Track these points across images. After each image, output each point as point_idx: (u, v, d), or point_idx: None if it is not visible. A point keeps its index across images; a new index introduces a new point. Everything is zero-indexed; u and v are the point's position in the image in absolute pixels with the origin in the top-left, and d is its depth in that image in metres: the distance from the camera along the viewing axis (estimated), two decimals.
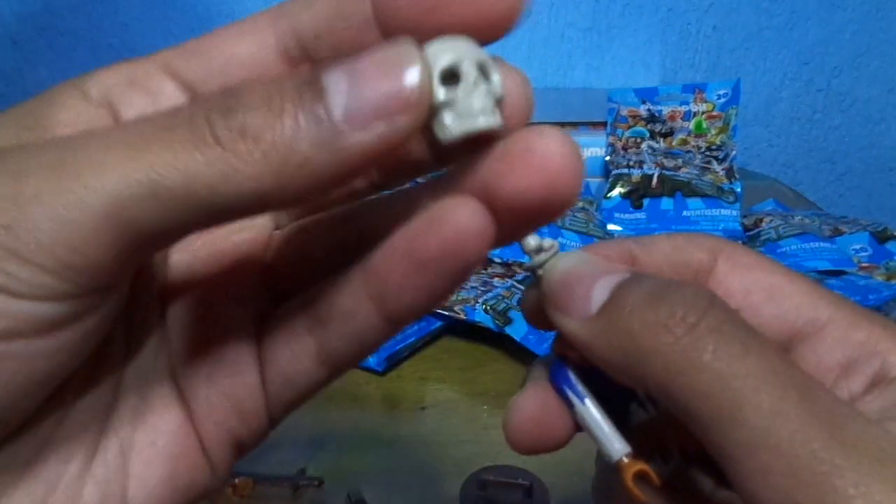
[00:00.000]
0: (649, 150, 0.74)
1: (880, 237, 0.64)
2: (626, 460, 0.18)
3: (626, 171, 0.71)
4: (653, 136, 0.75)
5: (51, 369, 0.14)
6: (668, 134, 0.75)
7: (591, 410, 0.18)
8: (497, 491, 0.39)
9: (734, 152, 0.72)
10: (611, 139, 0.75)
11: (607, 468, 0.19)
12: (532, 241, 0.18)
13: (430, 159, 0.17)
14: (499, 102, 0.15)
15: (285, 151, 0.12)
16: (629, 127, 0.75)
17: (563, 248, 0.19)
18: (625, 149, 0.74)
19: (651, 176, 0.70)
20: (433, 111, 0.14)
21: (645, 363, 0.16)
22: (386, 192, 0.19)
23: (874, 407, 0.17)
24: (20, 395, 0.14)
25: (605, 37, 0.95)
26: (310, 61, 0.16)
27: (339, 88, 0.13)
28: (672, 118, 0.76)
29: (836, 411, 0.15)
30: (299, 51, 0.16)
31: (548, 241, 0.18)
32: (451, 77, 0.14)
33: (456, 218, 0.14)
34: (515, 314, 0.51)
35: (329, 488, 0.40)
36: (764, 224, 0.67)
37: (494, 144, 0.15)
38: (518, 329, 0.51)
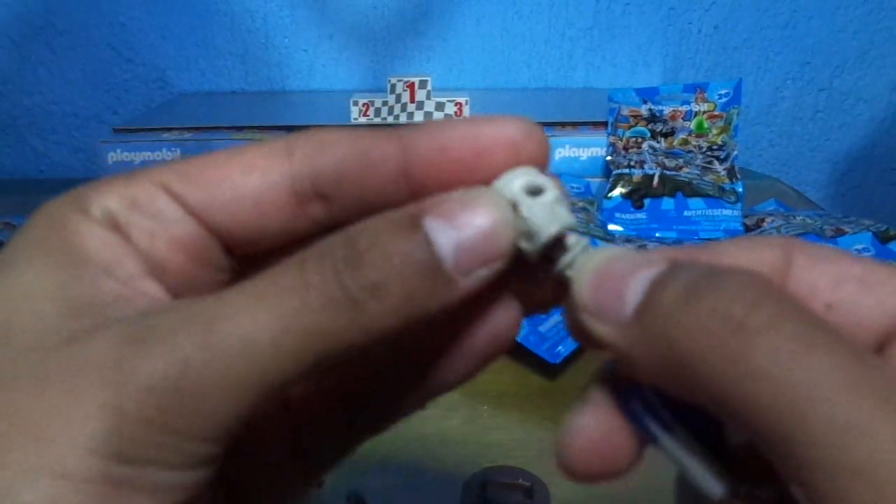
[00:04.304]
0: (650, 150, 0.73)
1: (883, 237, 0.64)
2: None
3: (626, 171, 0.71)
4: (654, 135, 0.75)
5: None
6: (670, 134, 0.75)
7: (680, 443, 0.15)
8: (497, 491, 0.39)
9: (735, 152, 0.72)
10: (611, 139, 0.75)
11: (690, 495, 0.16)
12: (551, 232, 0.16)
13: (403, 197, 0.17)
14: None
15: (409, 303, 0.14)
16: (630, 127, 0.75)
17: None
18: (626, 149, 0.74)
19: (652, 176, 0.70)
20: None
21: (691, 374, 0.14)
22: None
23: None
24: None
25: (605, 36, 0.95)
26: (322, 200, 0.16)
27: (448, 242, 0.14)
28: (673, 118, 0.75)
29: None
30: (312, 190, 0.16)
31: (573, 238, 0.17)
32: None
33: (499, 316, 0.17)
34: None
35: (329, 488, 0.40)
36: (766, 224, 0.67)
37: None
38: None
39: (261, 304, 0.14)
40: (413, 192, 0.16)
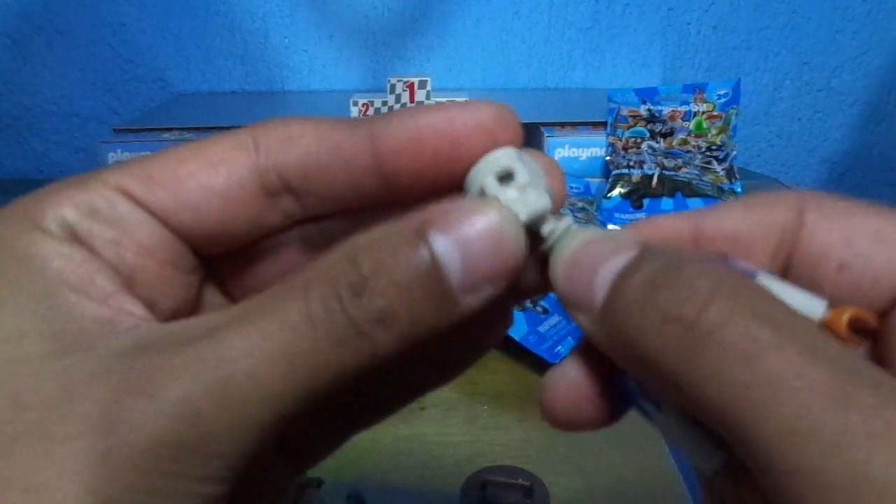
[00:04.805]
0: (649, 151, 0.74)
1: None
2: (830, 313, 0.15)
3: (626, 171, 0.71)
4: (653, 136, 0.75)
5: None
6: (669, 134, 0.75)
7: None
8: (497, 491, 0.39)
9: (734, 152, 0.72)
10: (611, 139, 0.75)
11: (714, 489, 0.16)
12: (535, 212, 0.16)
13: (375, 188, 0.16)
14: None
15: (417, 327, 0.14)
16: (629, 127, 0.75)
17: None
18: (625, 149, 0.74)
19: (651, 176, 0.70)
20: None
21: (652, 373, 0.13)
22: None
23: None
24: None
25: (605, 37, 0.95)
26: (292, 194, 0.16)
27: (454, 262, 0.14)
28: (672, 118, 0.75)
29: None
30: (280, 184, 0.16)
31: (550, 223, 0.16)
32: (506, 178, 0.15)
33: (487, 309, 0.16)
34: (516, 314, 0.51)
35: (329, 488, 0.40)
36: None
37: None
38: (518, 329, 0.51)
39: (267, 344, 0.13)
40: (386, 182, 0.16)
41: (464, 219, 0.14)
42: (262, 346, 0.13)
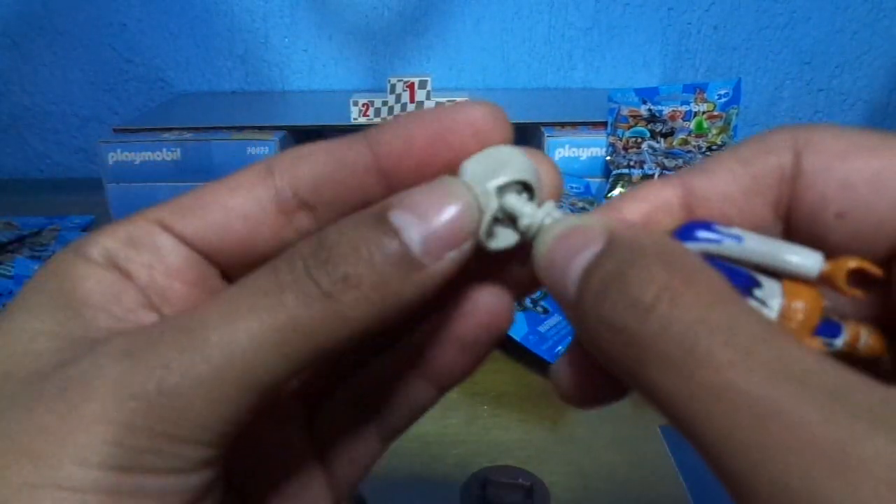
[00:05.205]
0: (650, 150, 0.73)
1: None
2: (828, 266, 0.14)
3: (626, 171, 0.71)
4: (653, 136, 0.75)
5: None
6: (669, 134, 0.75)
7: (758, 241, 0.15)
8: (497, 491, 0.39)
9: None
10: (611, 139, 0.75)
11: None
12: (513, 204, 0.16)
13: (381, 196, 0.17)
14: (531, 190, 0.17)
15: (382, 290, 0.14)
16: (630, 127, 0.75)
17: None
18: (625, 149, 0.74)
19: (652, 176, 0.70)
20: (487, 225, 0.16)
21: (611, 369, 0.14)
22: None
23: None
24: None
25: (605, 37, 0.95)
26: (306, 209, 0.17)
27: (412, 229, 0.15)
28: (673, 118, 0.75)
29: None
30: (295, 201, 0.17)
31: (528, 207, 0.16)
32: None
33: (486, 303, 0.18)
34: (516, 314, 0.51)
35: None
36: None
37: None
38: (518, 329, 0.51)
39: (238, 308, 0.14)
40: (390, 188, 0.16)
41: (419, 193, 0.15)
42: (232, 312, 0.14)
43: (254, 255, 0.17)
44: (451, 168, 0.16)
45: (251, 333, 0.14)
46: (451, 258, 0.15)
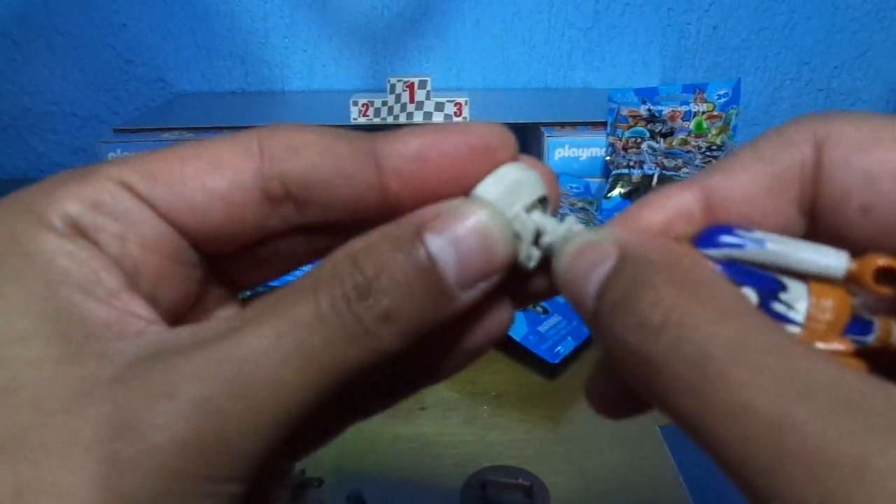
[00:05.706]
0: (649, 151, 0.74)
1: None
2: (855, 264, 0.14)
3: (626, 171, 0.71)
4: (653, 136, 0.75)
5: None
6: (669, 134, 0.75)
7: (781, 242, 0.15)
8: (497, 491, 0.39)
9: None
10: (611, 139, 0.75)
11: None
12: (532, 219, 0.16)
13: (375, 203, 0.17)
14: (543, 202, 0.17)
15: (418, 322, 0.14)
16: (629, 127, 0.75)
17: None
18: (625, 149, 0.74)
19: (651, 176, 0.70)
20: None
21: (638, 390, 0.14)
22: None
23: None
24: None
25: (605, 37, 0.95)
26: (293, 202, 0.16)
27: (449, 260, 0.14)
28: (672, 118, 0.75)
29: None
30: (283, 192, 0.16)
31: (550, 223, 0.16)
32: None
33: (492, 312, 0.17)
34: (516, 314, 0.51)
35: (329, 488, 0.40)
36: None
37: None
38: (518, 329, 0.51)
39: (282, 342, 0.14)
40: (387, 200, 0.16)
41: (455, 218, 0.15)
42: (277, 345, 0.14)
43: (233, 237, 0.16)
44: (463, 190, 0.16)
45: (297, 370, 0.14)
46: (481, 288, 0.15)
